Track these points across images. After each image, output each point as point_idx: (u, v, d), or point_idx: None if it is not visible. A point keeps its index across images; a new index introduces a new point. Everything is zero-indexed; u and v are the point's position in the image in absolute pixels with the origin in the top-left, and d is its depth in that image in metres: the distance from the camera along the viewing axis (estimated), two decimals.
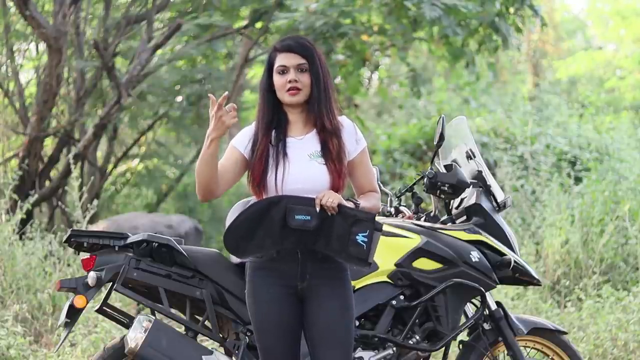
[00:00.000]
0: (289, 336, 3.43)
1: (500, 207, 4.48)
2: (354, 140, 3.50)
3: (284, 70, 3.43)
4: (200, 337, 4.11)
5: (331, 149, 3.42)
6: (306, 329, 3.44)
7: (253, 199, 3.53)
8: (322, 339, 3.39)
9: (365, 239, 3.29)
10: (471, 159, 4.53)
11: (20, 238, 6.97)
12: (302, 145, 3.45)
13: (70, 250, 6.28)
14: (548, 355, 4.46)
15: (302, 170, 3.40)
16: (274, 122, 3.47)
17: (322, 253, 3.37)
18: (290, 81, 3.41)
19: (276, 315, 3.41)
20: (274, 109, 3.47)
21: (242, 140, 3.48)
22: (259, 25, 10.25)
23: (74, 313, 3.88)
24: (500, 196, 4.50)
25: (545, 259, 7.48)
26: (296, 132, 3.48)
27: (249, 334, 3.91)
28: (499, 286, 4.48)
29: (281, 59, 3.44)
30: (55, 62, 8.55)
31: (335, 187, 3.41)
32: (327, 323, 3.39)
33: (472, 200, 4.43)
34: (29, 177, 8.88)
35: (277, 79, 3.44)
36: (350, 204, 3.37)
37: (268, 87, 3.47)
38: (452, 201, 4.54)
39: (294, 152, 3.43)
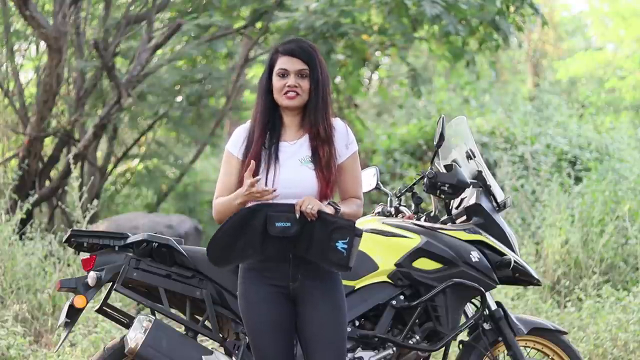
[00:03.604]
0: (281, 336, 3.43)
1: (500, 207, 4.47)
2: (344, 144, 3.50)
3: (284, 74, 3.43)
4: (200, 337, 4.11)
5: (321, 156, 3.42)
6: (299, 329, 3.45)
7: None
8: (315, 339, 3.40)
9: (345, 246, 3.30)
10: (471, 159, 4.53)
11: (20, 238, 6.96)
12: (294, 150, 3.45)
13: (70, 250, 6.28)
14: (548, 355, 4.46)
15: (292, 175, 3.41)
16: (269, 124, 3.47)
17: None
18: (289, 85, 3.41)
19: (268, 316, 3.42)
20: (271, 111, 3.48)
21: (235, 142, 3.50)
22: (259, 25, 10.26)
23: (74, 313, 3.87)
24: (500, 196, 4.50)
25: (545, 259, 7.48)
26: (290, 136, 3.48)
27: None
28: (499, 286, 4.48)
29: (282, 62, 3.44)
30: (55, 62, 8.55)
31: (323, 194, 3.41)
32: (319, 323, 3.40)
33: (472, 200, 4.43)
34: (29, 177, 8.88)
35: (276, 82, 3.44)
36: (330, 209, 3.36)
37: (267, 89, 3.47)
38: (452, 201, 4.53)
39: (285, 156, 3.44)
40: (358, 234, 3.32)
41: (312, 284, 3.41)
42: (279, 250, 3.34)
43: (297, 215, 3.30)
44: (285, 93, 3.42)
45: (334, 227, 3.30)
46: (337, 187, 3.53)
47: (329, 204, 3.40)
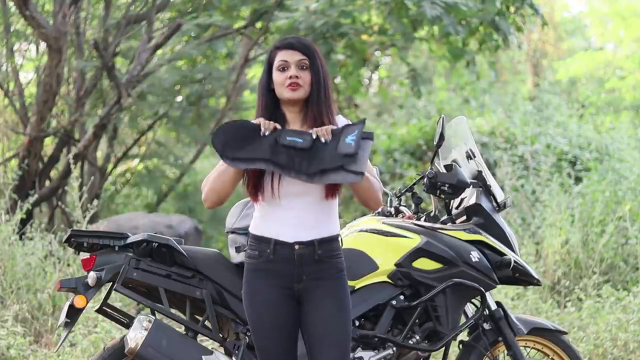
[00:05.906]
0: (286, 337, 3.43)
1: (500, 207, 4.47)
2: None
3: (284, 67, 3.41)
4: (200, 337, 4.12)
5: None
6: (303, 329, 3.44)
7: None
8: (319, 339, 3.39)
9: (354, 137, 3.25)
10: (471, 159, 4.53)
11: (20, 238, 6.97)
12: None
13: (70, 250, 6.28)
14: (548, 355, 4.46)
15: None
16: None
17: (319, 255, 3.37)
18: (290, 77, 3.39)
19: (273, 316, 3.41)
20: (273, 108, 3.45)
21: None
22: (259, 25, 10.26)
23: (74, 313, 3.88)
24: (500, 196, 4.50)
25: (545, 259, 7.48)
26: None
27: (249, 334, 3.91)
28: (499, 286, 4.48)
29: (282, 55, 3.42)
30: (55, 62, 8.55)
31: (330, 191, 3.40)
32: (324, 323, 3.39)
33: (472, 200, 4.43)
34: (29, 177, 8.88)
35: (277, 76, 3.41)
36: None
37: (267, 86, 3.45)
38: (452, 201, 4.53)
39: None
40: (369, 136, 3.28)
41: (317, 284, 3.40)
42: (289, 159, 3.26)
43: (314, 137, 3.27)
44: (288, 85, 3.40)
45: (343, 128, 3.30)
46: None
47: None
